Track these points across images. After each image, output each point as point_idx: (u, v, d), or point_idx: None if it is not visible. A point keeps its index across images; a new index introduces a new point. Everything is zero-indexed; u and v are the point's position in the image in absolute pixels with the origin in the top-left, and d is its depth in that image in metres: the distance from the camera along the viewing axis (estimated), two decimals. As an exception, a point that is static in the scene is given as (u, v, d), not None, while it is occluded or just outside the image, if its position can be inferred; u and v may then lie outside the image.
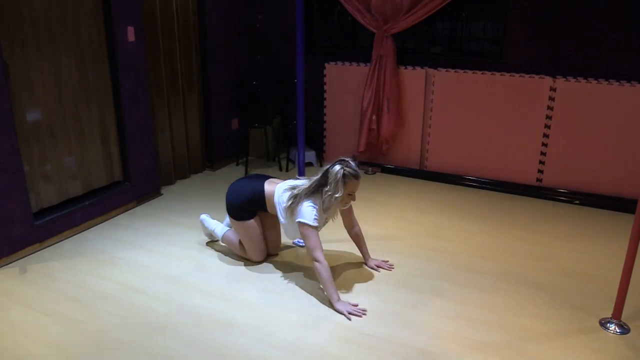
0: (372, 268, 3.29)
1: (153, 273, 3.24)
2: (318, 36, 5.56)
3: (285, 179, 3.21)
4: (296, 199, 2.94)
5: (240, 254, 3.39)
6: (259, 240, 3.28)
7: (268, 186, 3.14)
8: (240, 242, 3.34)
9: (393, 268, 3.29)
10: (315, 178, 2.96)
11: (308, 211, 2.89)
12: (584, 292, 3.06)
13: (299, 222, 2.91)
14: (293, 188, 3.01)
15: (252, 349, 2.54)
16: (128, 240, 3.68)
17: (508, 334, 2.67)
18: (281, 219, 3.08)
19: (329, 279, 2.86)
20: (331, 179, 2.87)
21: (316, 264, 2.86)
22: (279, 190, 3.08)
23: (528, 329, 2.72)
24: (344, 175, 2.84)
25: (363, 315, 2.79)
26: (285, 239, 3.45)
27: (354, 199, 3.01)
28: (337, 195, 2.87)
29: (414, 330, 2.68)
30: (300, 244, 3.59)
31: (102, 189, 4.03)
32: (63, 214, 3.65)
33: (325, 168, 2.94)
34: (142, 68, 4.10)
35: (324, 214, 3.00)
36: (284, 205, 3.01)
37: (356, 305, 2.86)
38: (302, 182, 3.05)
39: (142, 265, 3.33)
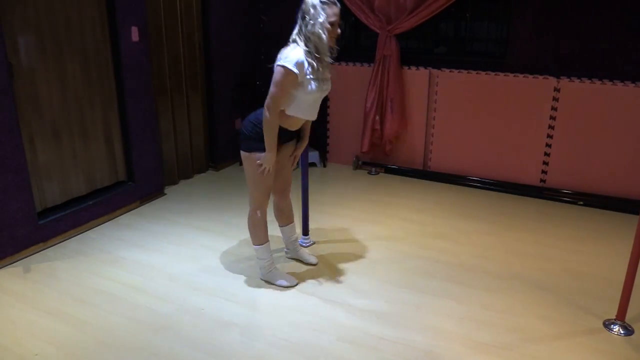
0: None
1: (156, 273, 3.25)
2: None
3: None
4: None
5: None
6: (268, 179, 2.89)
7: None
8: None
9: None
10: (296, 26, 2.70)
11: (294, 53, 2.63)
12: (587, 293, 3.05)
13: (277, 65, 2.62)
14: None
15: (254, 349, 2.54)
16: (131, 240, 3.69)
17: (512, 335, 2.66)
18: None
19: (272, 131, 2.71)
20: (307, 9, 2.63)
21: (267, 113, 2.67)
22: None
23: (532, 329, 2.71)
24: (320, 1, 2.63)
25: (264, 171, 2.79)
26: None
27: (339, 31, 2.74)
28: (320, 20, 2.61)
29: (417, 331, 2.68)
30: (302, 244, 3.58)
31: (106, 189, 4.04)
32: (67, 213, 3.66)
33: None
34: (146, 68, 4.11)
35: (318, 66, 2.69)
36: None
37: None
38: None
39: (145, 265, 3.34)
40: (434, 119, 4.87)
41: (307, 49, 2.68)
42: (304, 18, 2.68)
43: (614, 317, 2.74)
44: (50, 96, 3.49)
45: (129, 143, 4.10)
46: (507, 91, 4.49)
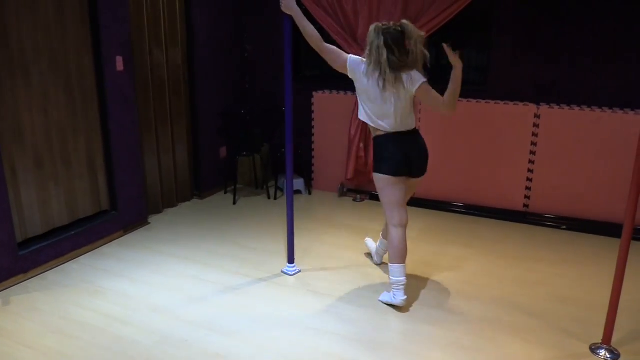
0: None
1: (139, 304, 3.19)
2: (306, 65, 5.62)
3: None
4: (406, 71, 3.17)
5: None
6: (393, 193, 3.30)
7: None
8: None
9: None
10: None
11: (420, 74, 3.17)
12: (573, 317, 3.06)
13: (424, 82, 3.24)
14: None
15: (240, 381, 2.50)
16: (114, 270, 3.63)
17: (499, 361, 2.65)
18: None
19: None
20: (411, 32, 3.03)
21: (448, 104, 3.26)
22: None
23: (518, 355, 2.70)
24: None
25: None
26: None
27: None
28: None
29: (404, 359, 2.66)
30: (288, 273, 3.56)
31: (89, 219, 3.99)
32: (48, 244, 3.60)
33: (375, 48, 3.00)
34: (131, 97, 4.12)
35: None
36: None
37: None
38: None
39: (128, 296, 3.28)
40: (417, 146, 4.91)
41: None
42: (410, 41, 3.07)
43: (600, 342, 2.74)
44: (33, 126, 3.47)
45: (112, 172, 4.07)
46: (489, 118, 4.56)
